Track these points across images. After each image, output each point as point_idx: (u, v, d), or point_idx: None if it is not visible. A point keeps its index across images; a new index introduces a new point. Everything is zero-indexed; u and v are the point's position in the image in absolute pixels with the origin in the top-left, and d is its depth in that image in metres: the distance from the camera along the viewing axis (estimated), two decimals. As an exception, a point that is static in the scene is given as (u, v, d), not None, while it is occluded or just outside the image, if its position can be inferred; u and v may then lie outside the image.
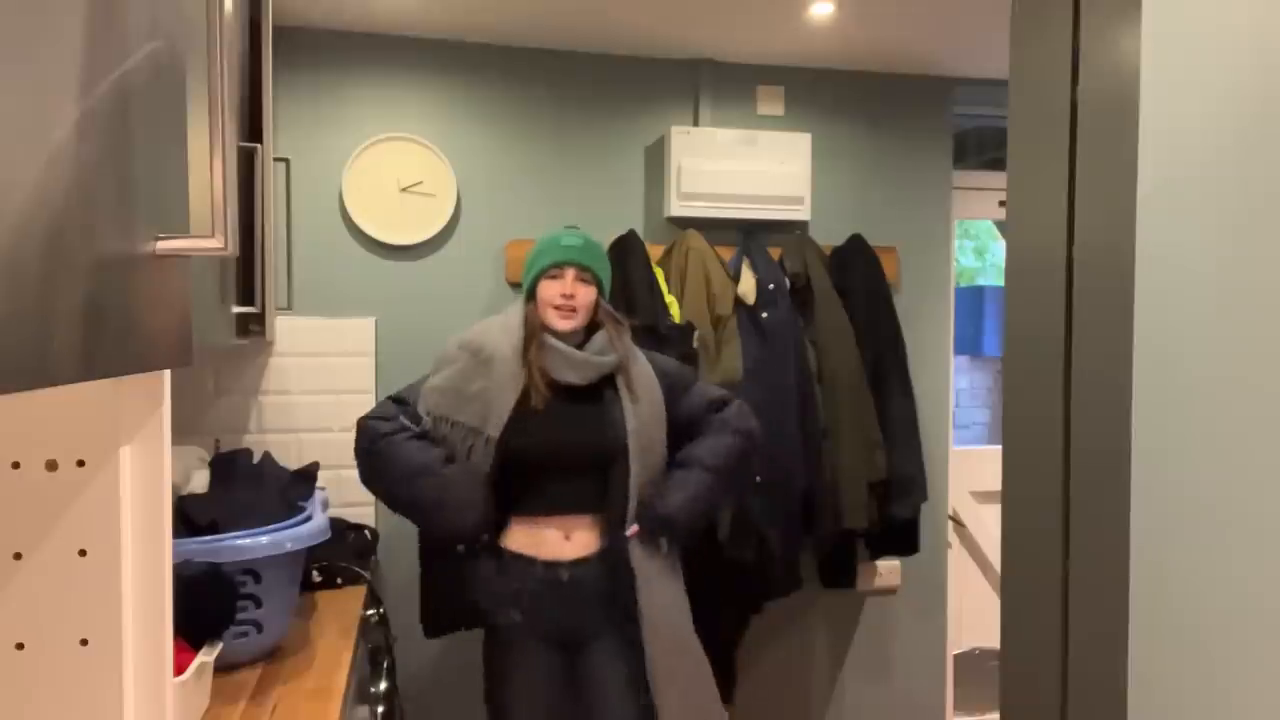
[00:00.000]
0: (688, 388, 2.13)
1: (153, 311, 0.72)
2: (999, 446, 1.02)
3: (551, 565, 1.99)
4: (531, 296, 2.04)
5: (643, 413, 2.01)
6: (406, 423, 2.01)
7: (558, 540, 2.00)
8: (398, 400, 2.08)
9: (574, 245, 2.03)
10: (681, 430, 2.08)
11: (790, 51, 2.75)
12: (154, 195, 0.72)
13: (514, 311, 2.06)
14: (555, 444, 1.98)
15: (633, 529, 1.98)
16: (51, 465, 0.78)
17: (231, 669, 1.63)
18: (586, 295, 2.02)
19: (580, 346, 2.02)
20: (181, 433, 2.35)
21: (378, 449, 1.99)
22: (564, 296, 1.99)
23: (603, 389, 2.02)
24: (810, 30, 2.56)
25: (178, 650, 1.22)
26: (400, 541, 2.62)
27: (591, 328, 2.05)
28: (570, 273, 2.01)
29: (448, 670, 2.65)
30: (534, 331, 2.00)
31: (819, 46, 2.70)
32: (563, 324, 1.99)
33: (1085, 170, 0.88)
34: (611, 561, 1.99)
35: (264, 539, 1.63)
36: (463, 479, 1.94)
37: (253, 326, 1.99)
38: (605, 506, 2.00)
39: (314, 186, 2.57)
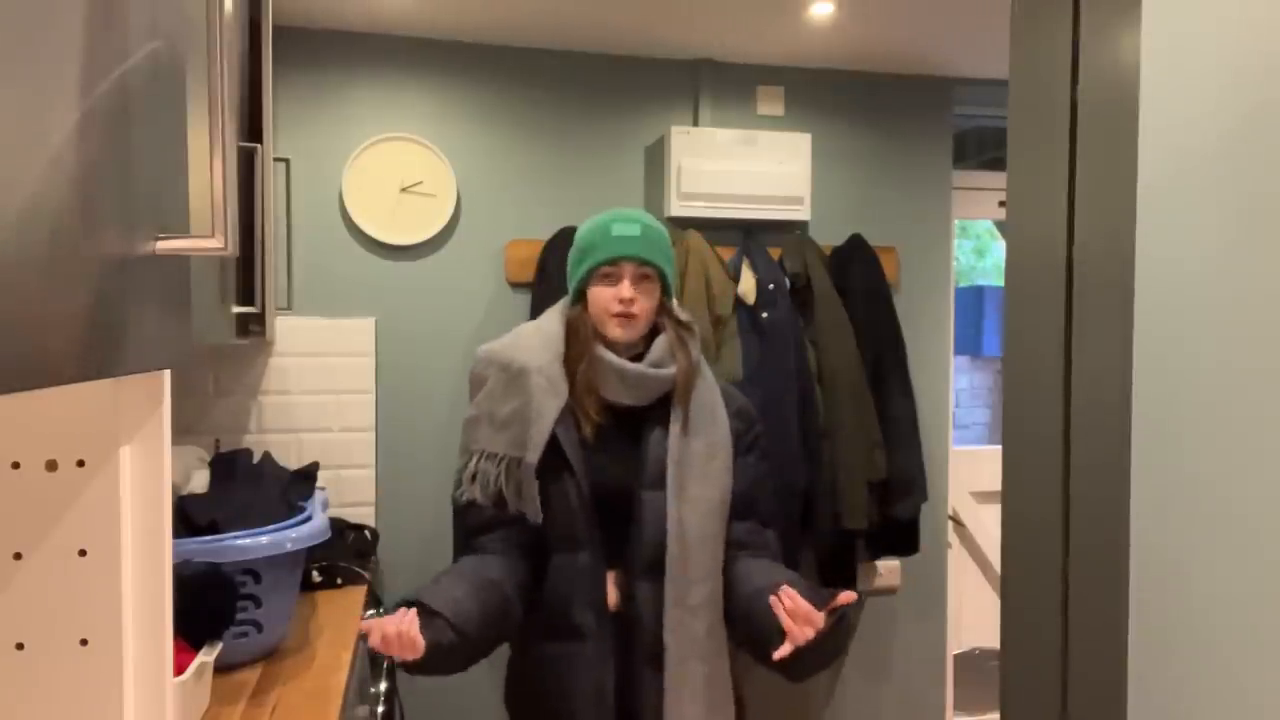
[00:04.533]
0: (751, 446, 1.71)
1: (153, 311, 0.72)
2: (999, 446, 1.02)
3: (618, 618, 1.63)
4: (579, 298, 1.65)
5: (695, 440, 1.61)
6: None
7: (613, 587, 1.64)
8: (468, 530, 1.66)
9: (630, 235, 1.61)
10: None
11: (790, 51, 2.75)
12: (154, 195, 0.72)
13: (552, 317, 1.68)
14: (610, 479, 1.61)
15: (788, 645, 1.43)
16: (51, 465, 0.78)
17: (231, 669, 1.63)
18: (649, 298, 1.63)
19: (638, 358, 1.64)
20: (181, 433, 2.36)
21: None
22: (622, 302, 1.60)
23: (653, 407, 1.64)
24: (810, 30, 2.56)
25: (178, 650, 1.22)
26: (400, 541, 2.62)
27: (651, 332, 1.67)
28: (628, 270, 1.61)
29: (448, 670, 2.65)
30: (585, 343, 1.62)
31: (819, 46, 2.70)
32: (621, 333, 1.62)
33: (1085, 170, 0.88)
34: (630, 619, 1.59)
35: (264, 539, 1.63)
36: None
37: (253, 326, 1.98)
38: (626, 554, 1.60)
39: (314, 186, 2.57)
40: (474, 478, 1.60)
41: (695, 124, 2.79)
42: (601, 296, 1.62)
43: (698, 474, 1.60)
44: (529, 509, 1.56)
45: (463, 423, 1.67)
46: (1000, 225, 4.14)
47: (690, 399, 1.63)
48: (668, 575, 1.56)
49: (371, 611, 2.26)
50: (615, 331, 1.61)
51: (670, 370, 1.62)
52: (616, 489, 1.61)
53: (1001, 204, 3.12)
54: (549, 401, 1.57)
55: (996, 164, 3.27)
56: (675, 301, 1.71)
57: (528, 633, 1.64)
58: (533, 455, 1.55)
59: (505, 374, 1.62)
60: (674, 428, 1.61)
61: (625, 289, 1.60)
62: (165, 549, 0.80)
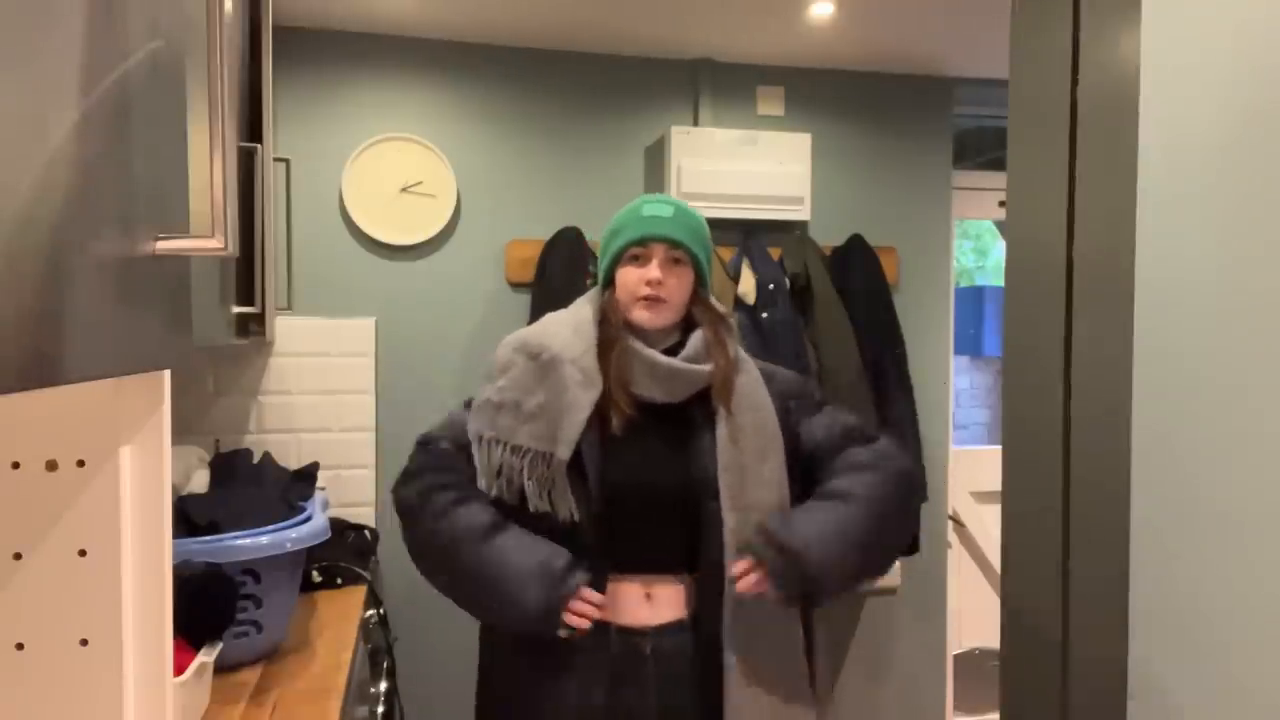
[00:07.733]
0: (818, 407, 1.62)
1: (153, 311, 0.72)
2: (999, 446, 1.02)
3: (628, 634, 1.50)
4: (609, 284, 1.58)
5: (745, 443, 1.51)
6: (439, 480, 1.55)
7: (636, 600, 1.51)
8: (425, 443, 1.60)
9: (660, 216, 1.54)
10: (805, 466, 1.59)
11: (790, 51, 2.75)
12: (154, 195, 0.72)
13: (584, 305, 1.60)
14: (635, 480, 1.51)
15: (740, 566, 1.45)
16: (51, 465, 0.78)
17: (231, 669, 1.63)
18: (679, 281, 1.54)
19: (673, 351, 1.55)
20: (181, 433, 2.36)
21: (414, 533, 1.60)
22: (649, 284, 1.52)
23: (693, 407, 1.54)
24: (810, 30, 2.56)
25: (178, 650, 1.22)
26: (400, 541, 2.62)
27: (690, 325, 1.58)
28: (658, 251, 1.53)
29: (448, 670, 2.65)
30: (615, 331, 1.53)
31: (819, 46, 2.70)
32: (647, 317, 1.53)
33: (1085, 170, 0.88)
34: (706, 635, 1.50)
35: (264, 539, 1.63)
36: (515, 544, 1.47)
37: (253, 326, 1.98)
38: (697, 565, 1.51)
39: (314, 186, 2.57)
40: (499, 473, 1.50)
41: (695, 124, 2.79)
42: (629, 278, 1.54)
43: (752, 479, 1.51)
44: (560, 508, 1.47)
45: (474, 405, 1.55)
46: (1000, 225, 4.14)
47: (732, 399, 1.53)
48: (727, 587, 1.48)
49: (371, 612, 2.26)
50: (641, 315, 1.53)
51: (705, 367, 1.53)
52: (651, 488, 1.52)
53: (1001, 204, 3.12)
54: (582, 395, 1.48)
55: (996, 164, 3.27)
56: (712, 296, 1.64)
57: (502, 639, 1.56)
58: (564, 451, 1.46)
59: (535, 363, 1.52)
60: (720, 431, 1.51)
61: (653, 269, 1.52)
62: (165, 549, 0.80)
